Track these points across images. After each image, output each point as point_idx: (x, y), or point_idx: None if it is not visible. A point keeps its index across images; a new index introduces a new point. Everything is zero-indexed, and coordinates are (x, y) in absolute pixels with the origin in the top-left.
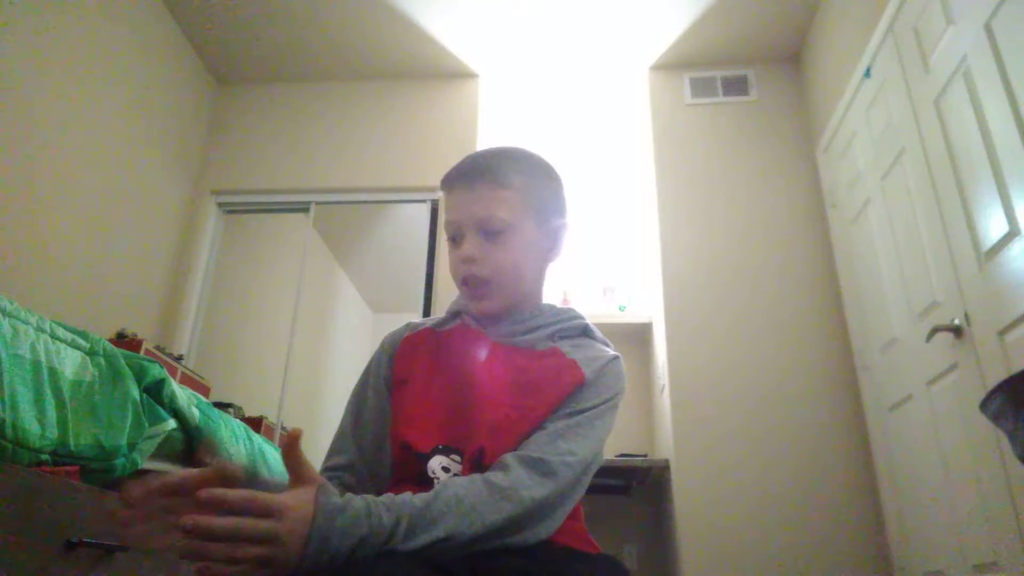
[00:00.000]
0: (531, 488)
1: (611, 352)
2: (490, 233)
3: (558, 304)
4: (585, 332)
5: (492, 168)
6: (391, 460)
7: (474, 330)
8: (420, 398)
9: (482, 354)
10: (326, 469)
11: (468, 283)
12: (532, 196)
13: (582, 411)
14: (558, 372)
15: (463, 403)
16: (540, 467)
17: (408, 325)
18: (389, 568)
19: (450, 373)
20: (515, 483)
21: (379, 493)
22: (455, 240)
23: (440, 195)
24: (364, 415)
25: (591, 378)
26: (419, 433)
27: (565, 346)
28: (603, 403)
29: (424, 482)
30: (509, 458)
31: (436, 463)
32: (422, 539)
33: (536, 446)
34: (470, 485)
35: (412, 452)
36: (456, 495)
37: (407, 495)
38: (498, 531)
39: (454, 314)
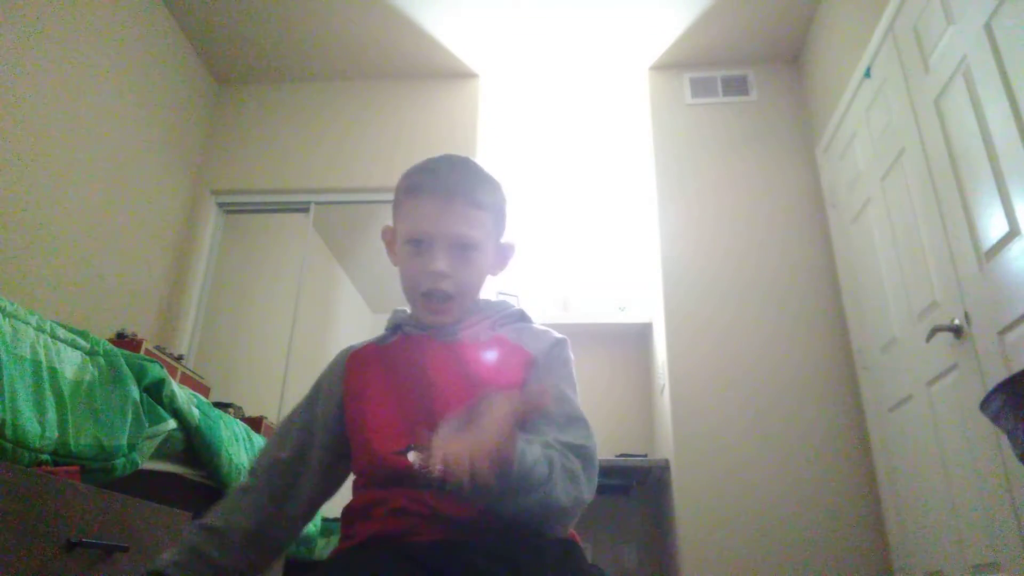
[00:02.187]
0: (591, 484)
1: (555, 334)
2: (462, 249)
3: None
4: (522, 317)
5: (470, 187)
6: (358, 469)
7: (417, 336)
8: (379, 409)
9: (431, 356)
10: (266, 460)
11: (432, 296)
12: (497, 218)
13: (561, 397)
14: (506, 357)
15: (422, 406)
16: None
17: (350, 347)
18: (370, 563)
19: (404, 381)
20: (585, 479)
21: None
22: (419, 247)
23: None
24: (303, 423)
25: (540, 358)
26: (386, 439)
27: (508, 332)
28: (570, 385)
29: (394, 484)
30: (573, 454)
31: (412, 458)
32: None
33: (571, 433)
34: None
35: (384, 455)
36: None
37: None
38: (561, 513)
39: (395, 328)
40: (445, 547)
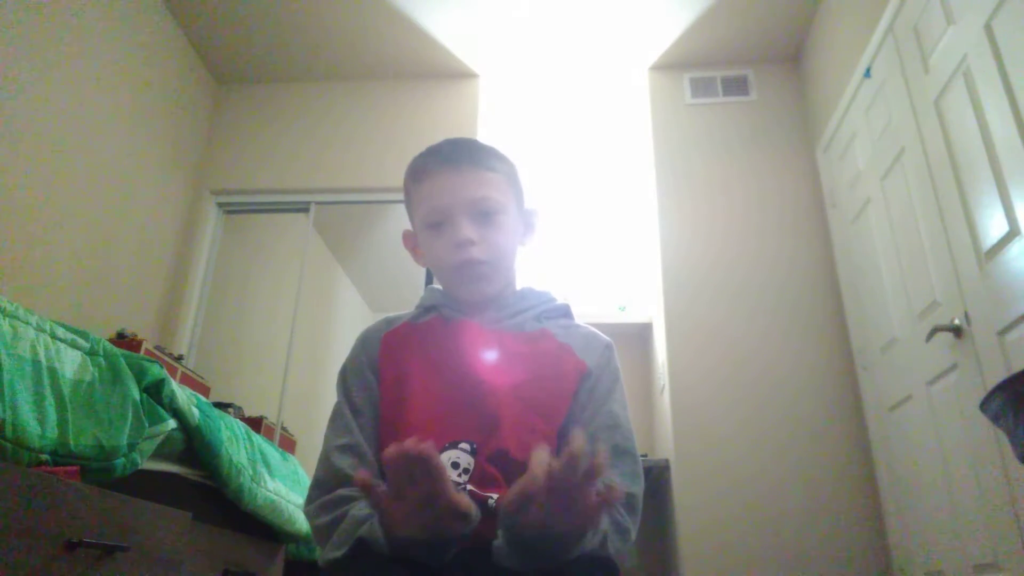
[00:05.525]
0: (636, 530)
1: (603, 338)
2: (484, 214)
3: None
4: (566, 313)
5: (476, 153)
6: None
7: (460, 321)
8: (421, 402)
9: (476, 343)
10: (343, 447)
11: (467, 267)
12: (512, 180)
13: (617, 425)
14: (558, 360)
15: (468, 397)
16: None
17: (386, 320)
18: (370, 570)
19: (447, 368)
20: (633, 529)
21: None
22: (440, 227)
23: None
24: (357, 406)
25: (594, 369)
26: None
27: (553, 327)
28: (620, 404)
29: None
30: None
31: (444, 459)
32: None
33: (622, 476)
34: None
35: None
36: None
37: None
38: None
39: (427, 308)
40: (469, 554)
